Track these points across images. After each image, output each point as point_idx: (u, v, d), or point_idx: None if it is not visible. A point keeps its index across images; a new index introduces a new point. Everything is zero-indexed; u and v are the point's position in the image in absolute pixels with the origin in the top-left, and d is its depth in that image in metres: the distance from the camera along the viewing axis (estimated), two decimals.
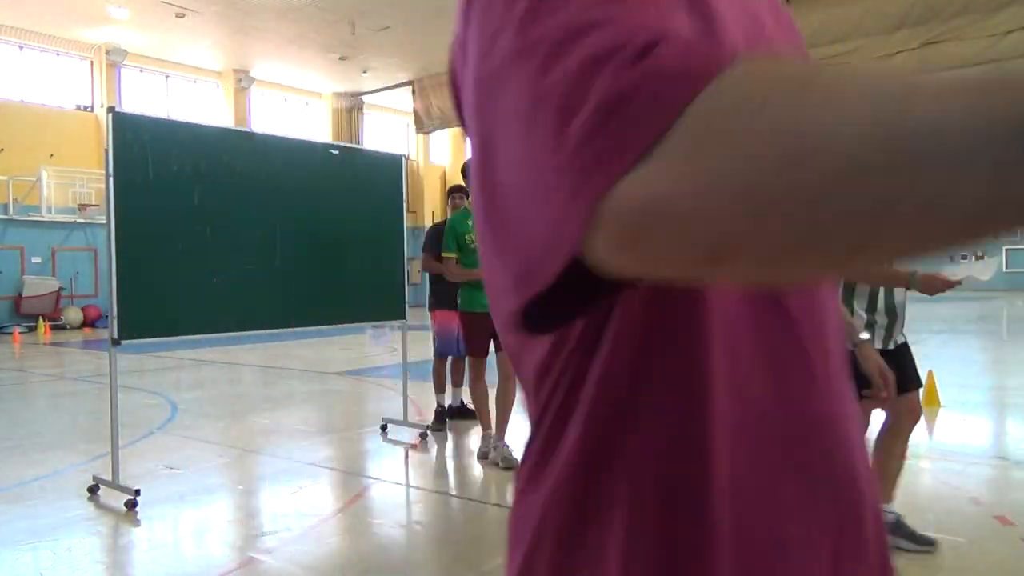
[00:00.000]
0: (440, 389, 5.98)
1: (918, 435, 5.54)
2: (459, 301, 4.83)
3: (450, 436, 5.64)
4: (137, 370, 10.00)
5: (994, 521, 3.57)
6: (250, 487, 4.54)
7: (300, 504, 4.10)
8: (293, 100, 24.90)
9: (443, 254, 4.86)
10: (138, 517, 3.82)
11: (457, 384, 6.07)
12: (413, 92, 22.65)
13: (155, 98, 21.67)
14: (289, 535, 3.54)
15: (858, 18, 9.90)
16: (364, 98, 25.14)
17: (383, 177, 5.77)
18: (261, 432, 6.01)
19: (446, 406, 5.99)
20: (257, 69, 22.35)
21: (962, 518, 3.66)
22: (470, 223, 4.66)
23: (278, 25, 18.19)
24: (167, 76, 21.88)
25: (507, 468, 4.51)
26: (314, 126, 25.25)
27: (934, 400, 6.45)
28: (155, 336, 4.35)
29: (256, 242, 4.75)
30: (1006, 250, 33.43)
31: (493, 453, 4.73)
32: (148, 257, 4.19)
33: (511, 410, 4.79)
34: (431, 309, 5.93)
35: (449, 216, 5.19)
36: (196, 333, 4.59)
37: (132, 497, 3.92)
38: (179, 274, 4.33)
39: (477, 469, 4.81)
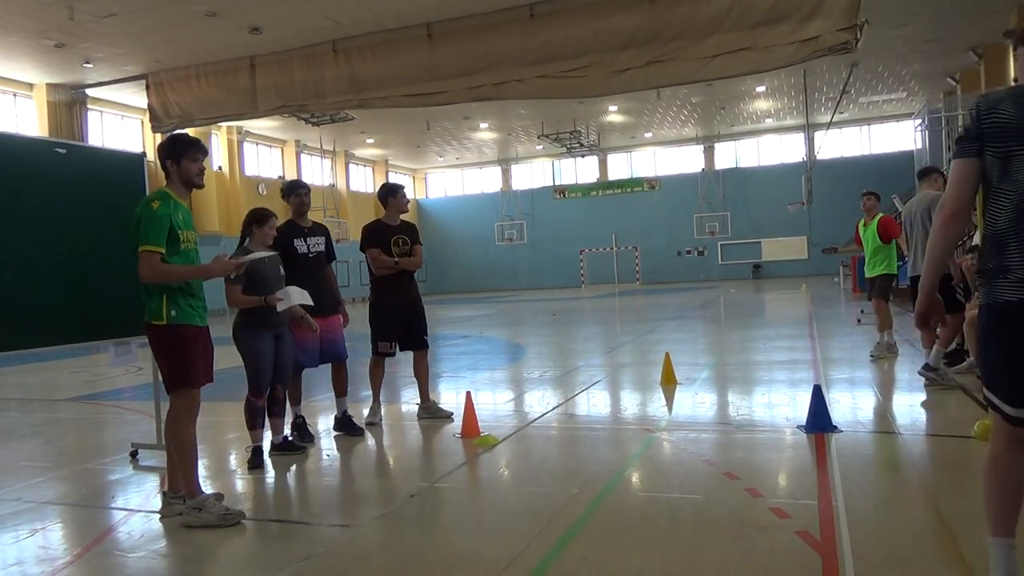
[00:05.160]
0: (296, 402, 5.60)
1: (659, 410, 6.23)
2: (171, 313, 3.74)
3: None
4: None
5: (723, 477, 4.13)
6: None
7: (39, 549, 3.60)
8: None
9: (143, 247, 3.65)
10: None
11: (295, 403, 5.63)
12: (147, 87, 20.70)
13: None
14: None
15: (593, 36, 10.78)
16: (88, 91, 22.48)
17: (120, 178, 5.25)
18: None
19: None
20: None
21: (698, 478, 4.18)
22: (181, 212, 3.79)
23: None
24: None
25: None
26: (23, 121, 22.10)
27: (671, 378, 7.27)
28: None
29: None
30: (720, 245, 38.45)
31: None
32: None
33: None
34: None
35: (157, 207, 3.75)
36: None
37: None
38: None
39: (244, 487, 4.56)
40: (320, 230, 5.76)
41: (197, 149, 3.92)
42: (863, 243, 8.67)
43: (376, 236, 5.99)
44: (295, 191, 5.67)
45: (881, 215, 8.54)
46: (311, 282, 5.34)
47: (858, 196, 8.94)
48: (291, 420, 5.54)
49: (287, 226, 5.60)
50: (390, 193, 6.12)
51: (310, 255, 5.57)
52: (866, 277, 8.78)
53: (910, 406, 5.96)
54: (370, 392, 6.19)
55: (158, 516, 3.93)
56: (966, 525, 3.23)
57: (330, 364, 5.72)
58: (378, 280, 6.04)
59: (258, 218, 5.01)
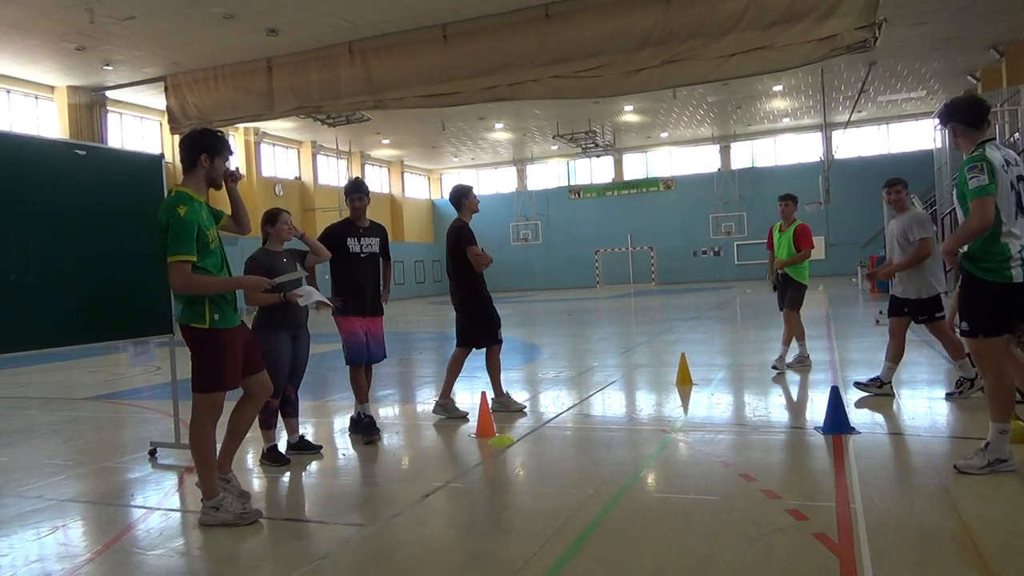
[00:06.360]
0: (364, 399, 5.67)
1: (675, 411, 6.19)
2: (214, 317, 3.73)
3: None
4: None
5: (740, 479, 4.11)
6: None
7: (60, 546, 3.65)
8: (17, 94, 21.88)
9: (174, 257, 3.60)
10: None
11: (363, 399, 5.72)
12: (166, 89, 20.86)
13: None
14: None
15: (608, 36, 10.77)
16: (107, 94, 22.73)
17: (140, 180, 5.30)
18: (1, 471, 5.24)
19: (361, 416, 5.67)
20: None
21: (715, 479, 4.16)
22: (204, 211, 3.77)
23: None
24: None
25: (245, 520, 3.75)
26: (45, 123, 22.39)
27: (687, 379, 7.24)
28: None
29: None
30: (736, 245, 38.24)
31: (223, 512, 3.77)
32: None
33: (243, 438, 4.12)
34: (335, 315, 5.53)
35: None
36: None
37: None
38: None
39: (261, 487, 4.60)
40: (376, 231, 5.82)
41: (228, 148, 3.95)
42: (775, 248, 8.25)
43: (472, 236, 6.23)
44: (347, 195, 5.79)
45: (799, 222, 8.11)
46: (359, 281, 5.59)
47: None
48: (353, 415, 5.75)
49: (343, 225, 5.73)
50: (463, 195, 6.27)
51: (362, 255, 5.66)
52: (773, 278, 8.39)
53: (929, 407, 5.90)
54: (388, 392, 6.26)
55: (178, 512, 3.98)
56: (986, 528, 3.20)
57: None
58: (476, 277, 6.25)
59: (270, 218, 5.14)
